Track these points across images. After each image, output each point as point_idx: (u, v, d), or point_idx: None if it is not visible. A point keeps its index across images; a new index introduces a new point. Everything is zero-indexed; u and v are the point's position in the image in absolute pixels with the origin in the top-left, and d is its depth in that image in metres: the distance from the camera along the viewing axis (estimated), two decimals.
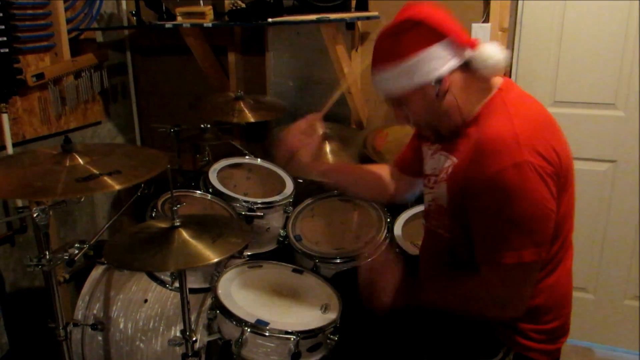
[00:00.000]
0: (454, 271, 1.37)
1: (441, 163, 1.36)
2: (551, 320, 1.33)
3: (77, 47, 2.43)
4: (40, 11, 2.19)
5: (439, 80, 1.24)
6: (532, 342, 1.32)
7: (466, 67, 1.26)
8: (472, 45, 1.25)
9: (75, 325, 1.81)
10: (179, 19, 2.27)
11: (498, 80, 1.30)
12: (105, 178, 1.37)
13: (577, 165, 2.23)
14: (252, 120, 2.32)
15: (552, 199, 1.18)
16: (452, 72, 1.25)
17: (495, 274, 1.22)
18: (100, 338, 1.84)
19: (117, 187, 1.35)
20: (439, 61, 1.23)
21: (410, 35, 1.23)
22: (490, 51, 1.24)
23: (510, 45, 2.25)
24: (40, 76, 2.19)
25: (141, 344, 1.79)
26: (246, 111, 2.35)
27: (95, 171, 1.39)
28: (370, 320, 1.46)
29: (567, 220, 1.29)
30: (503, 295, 1.23)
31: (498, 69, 1.26)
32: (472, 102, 1.28)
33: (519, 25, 2.23)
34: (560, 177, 1.20)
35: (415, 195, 1.73)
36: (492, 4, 2.17)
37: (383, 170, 1.73)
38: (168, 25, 2.26)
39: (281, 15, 2.07)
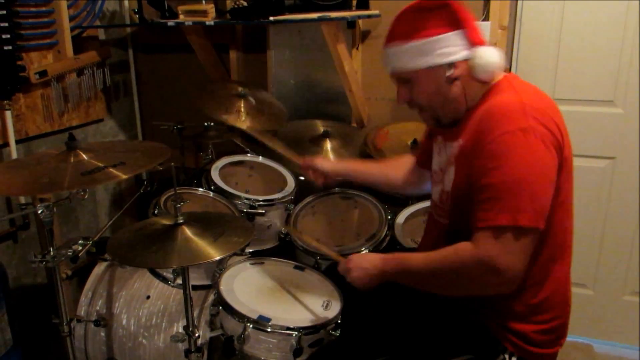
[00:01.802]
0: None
1: (448, 152, 1.37)
2: (553, 318, 1.32)
3: (80, 44, 2.44)
4: (44, 9, 2.20)
5: (452, 65, 1.27)
6: (533, 347, 1.31)
7: (471, 61, 1.28)
8: (481, 44, 1.28)
9: (79, 321, 1.83)
10: (181, 17, 2.28)
11: (501, 74, 1.33)
12: (110, 169, 1.40)
13: (577, 162, 2.25)
14: (248, 127, 2.25)
15: (554, 168, 1.18)
16: (463, 61, 1.28)
17: (488, 236, 1.15)
18: (103, 334, 1.86)
19: (123, 176, 1.38)
20: (455, 48, 1.27)
21: (436, 15, 1.26)
22: (491, 55, 1.27)
23: (510, 43, 2.26)
24: (43, 73, 2.20)
25: (144, 340, 1.81)
26: (246, 115, 2.31)
27: (100, 164, 1.42)
28: (369, 319, 1.47)
29: (565, 214, 1.28)
30: (495, 260, 1.13)
31: (493, 72, 1.29)
32: (475, 92, 1.31)
33: (518, 23, 2.24)
34: (563, 155, 1.21)
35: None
36: (492, 2, 2.18)
37: (407, 160, 1.78)
38: (170, 23, 2.27)
39: (283, 14, 2.07)
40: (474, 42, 1.27)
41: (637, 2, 2.07)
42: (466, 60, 1.28)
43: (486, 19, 2.21)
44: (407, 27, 1.29)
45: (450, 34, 1.26)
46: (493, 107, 1.22)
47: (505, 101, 1.22)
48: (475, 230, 1.19)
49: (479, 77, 1.29)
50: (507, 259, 1.14)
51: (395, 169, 1.78)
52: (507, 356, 1.32)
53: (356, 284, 1.40)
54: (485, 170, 1.18)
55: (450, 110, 1.34)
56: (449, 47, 1.26)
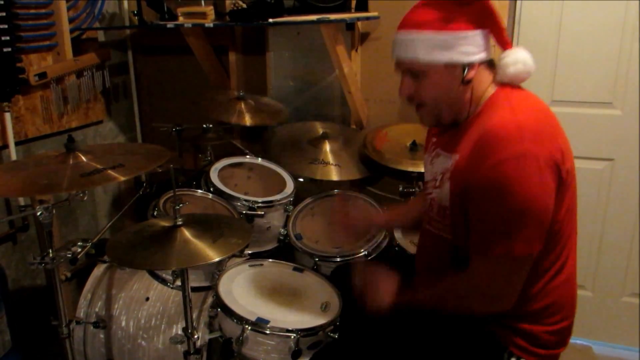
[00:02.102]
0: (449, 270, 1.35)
1: (443, 164, 1.32)
2: (559, 321, 1.31)
3: (79, 46, 2.45)
4: (43, 11, 2.20)
5: (471, 66, 1.22)
6: (539, 349, 1.30)
7: (490, 64, 1.26)
8: (505, 46, 1.26)
9: (78, 323, 1.83)
10: (181, 19, 2.29)
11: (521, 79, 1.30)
12: (109, 171, 1.40)
13: (575, 164, 2.25)
14: (251, 123, 2.34)
15: (550, 194, 1.15)
16: (483, 63, 1.24)
17: (484, 265, 1.19)
18: (102, 336, 1.86)
19: (122, 178, 1.38)
20: (476, 48, 1.21)
21: (466, 9, 1.20)
22: (518, 57, 1.24)
23: None
24: (42, 75, 2.20)
25: (143, 342, 1.81)
26: (246, 114, 2.36)
27: (99, 166, 1.42)
28: (368, 324, 1.45)
29: (571, 217, 1.27)
30: (491, 288, 1.19)
31: (519, 77, 1.26)
32: (481, 98, 1.27)
33: (517, 25, 2.25)
34: (562, 172, 1.17)
35: None
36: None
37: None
38: (169, 25, 2.27)
39: (282, 16, 2.08)
40: (499, 44, 1.24)
41: (637, 4, 2.08)
42: (483, 63, 1.24)
43: None
44: (433, 15, 1.20)
45: (475, 32, 1.20)
46: (489, 131, 1.17)
47: (501, 123, 1.17)
48: (471, 256, 1.22)
49: (504, 80, 1.25)
50: (502, 286, 1.19)
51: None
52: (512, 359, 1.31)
53: (368, 304, 1.38)
54: (480, 200, 1.17)
55: (454, 112, 1.29)
56: (471, 46, 1.20)
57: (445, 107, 1.29)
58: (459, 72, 1.23)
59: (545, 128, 1.19)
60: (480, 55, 1.23)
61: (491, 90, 1.27)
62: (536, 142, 1.13)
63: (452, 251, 1.34)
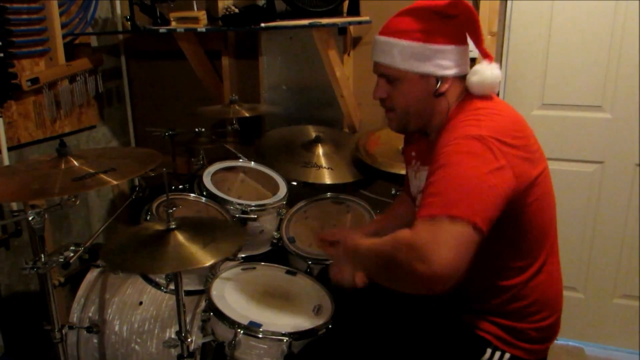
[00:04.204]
0: None
1: (423, 178, 1.36)
2: (545, 317, 1.34)
3: (72, 51, 2.45)
4: (35, 16, 2.21)
5: (444, 80, 1.25)
6: (524, 343, 1.32)
7: (463, 78, 1.28)
8: (485, 58, 1.26)
9: (71, 327, 1.82)
10: (173, 24, 2.29)
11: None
12: (101, 175, 1.40)
13: (565, 166, 2.32)
14: (247, 115, 2.35)
15: (504, 171, 1.12)
16: (456, 77, 1.26)
17: (423, 224, 1.10)
18: (95, 340, 1.86)
19: (114, 182, 1.38)
20: (451, 63, 1.24)
21: (447, 23, 1.22)
22: (489, 74, 1.24)
23: (499, 49, 2.29)
24: (35, 81, 2.20)
25: (136, 346, 1.81)
26: (242, 109, 2.38)
27: (91, 170, 1.42)
28: (358, 319, 1.47)
29: (545, 214, 1.28)
30: (425, 247, 1.05)
31: (489, 90, 1.27)
32: (454, 109, 1.29)
33: (507, 30, 2.27)
34: (530, 158, 1.18)
35: None
36: (482, 9, 2.20)
37: (405, 198, 1.72)
38: (162, 30, 2.28)
39: (274, 20, 2.09)
40: (482, 55, 1.25)
41: (625, 8, 2.10)
42: (457, 78, 1.27)
43: None
44: (415, 25, 1.24)
45: (453, 47, 1.24)
46: (449, 123, 1.22)
47: (464, 133, 1.18)
48: (416, 218, 1.15)
49: (475, 92, 1.27)
50: (436, 247, 1.05)
51: (403, 206, 1.72)
52: (496, 353, 1.32)
53: (333, 271, 1.37)
54: (432, 170, 1.16)
55: (422, 121, 1.32)
56: (447, 61, 1.24)
57: (414, 116, 1.32)
58: (432, 84, 1.26)
59: (506, 123, 1.20)
60: (454, 70, 1.26)
61: (459, 100, 1.30)
62: (495, 131, 1.15)
63: None
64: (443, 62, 1.24)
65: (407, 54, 1.25)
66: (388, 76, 1.31)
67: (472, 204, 1.09)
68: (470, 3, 1.23)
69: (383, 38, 1.29)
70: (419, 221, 1.11)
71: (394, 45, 1.26)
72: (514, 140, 1.16)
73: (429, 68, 1.25)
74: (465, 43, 1.26)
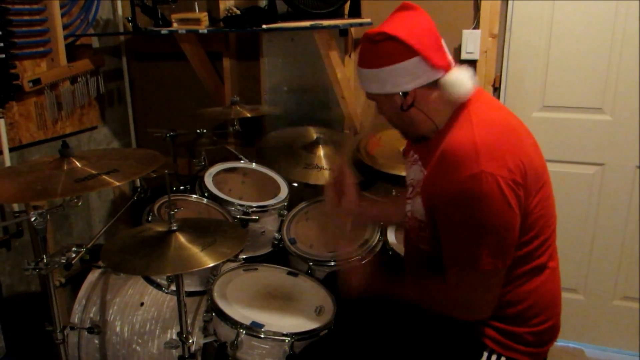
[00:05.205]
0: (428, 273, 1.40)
1: (416, 175, 1.41)
2: (543, 321, 1.35)
3: (74, 52, 2.45)
4: (37, 17, 2.21)
5: (405, 94, 1.29)
6: (521, 346, 1.33)
7: (435, 85, 1.29)
8: (446, 66, 1.27)
9: (72, 328, 1.82)
10: (175, 25, 2.30)
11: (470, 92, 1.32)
12: (104, 177, 1.41)
13: (566, 169, 2.32)
14: (248, 116, 2.37)
15: (509, 209, 1.19)
16: (421, 88, 1.28)
17: (455, 277, 1.27)
18: (96, 341, 1.86)
19: (116, 183, 1.39)
20: (407, 77, 1.27)
21: (384, 47, 1.26)
22: (459, 78, 1.26)
23: (500, 51, 2.29)
24: (36, 82, 2.21)
25: (137, 347, 1.81)
26: (243, 110, 2.39)
27: (93, 171, 1.43)
28: (359, 320, 1.49)
29: (544, 221, 1.30)
30: (465, 299, 1.28)
31: (464, 94, 1.28)
32: (443, 114, 1.32)
33: (508, 31, 2.27)
34: (527, 182, 1.21)
35: None
36: (482, 11, 2.21)
37: None
38: (164, 31, 2.28)
39: (275, 22, 2.09)
40: (434, 66, 1.26)
41: (626, 10, 2.10)
42: (427, 86, 1.28)
43: (476, 27, 2.24)
44: (365, 55, 1.32)
45: (402, 63, 1.25)
46: (447, 150, 1.24)
47: (459, 141, 1.22)
48: (445, 268, 1.29)
49: (448, 99, 1.29)
50: (474, 298, 1.28)
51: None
52: (492, 356, 1.34)
53: (347, 287, 1.46)
54: (444, 216, 1.26)
55: (414, 130, 1.38)
56: (402, 77, 1.27)
57: (401, 128, 1.41)
58: (397, 100, 1.31)
59: (503, 145, 1.22)
60: (415, 82, 1.28)
61: (454, 106, 1.31)
62: (492, 159, 1.18)
63: (431, 262, 1.37)
64: (398, 80, 1.27)
65: (370, 80, 1.33)
66: (371, 98, 1.40)
67: (495, 251, 1.21)
68: (471, 5, 1.25)
69: (358, 68, 1.37)
70: (451, 273, 1.27)
71: (361, 73, 1.34)
72: (510, 159, 1.20)
73: (387, 88, 1.30)
74: (417, 54, 1.25)
